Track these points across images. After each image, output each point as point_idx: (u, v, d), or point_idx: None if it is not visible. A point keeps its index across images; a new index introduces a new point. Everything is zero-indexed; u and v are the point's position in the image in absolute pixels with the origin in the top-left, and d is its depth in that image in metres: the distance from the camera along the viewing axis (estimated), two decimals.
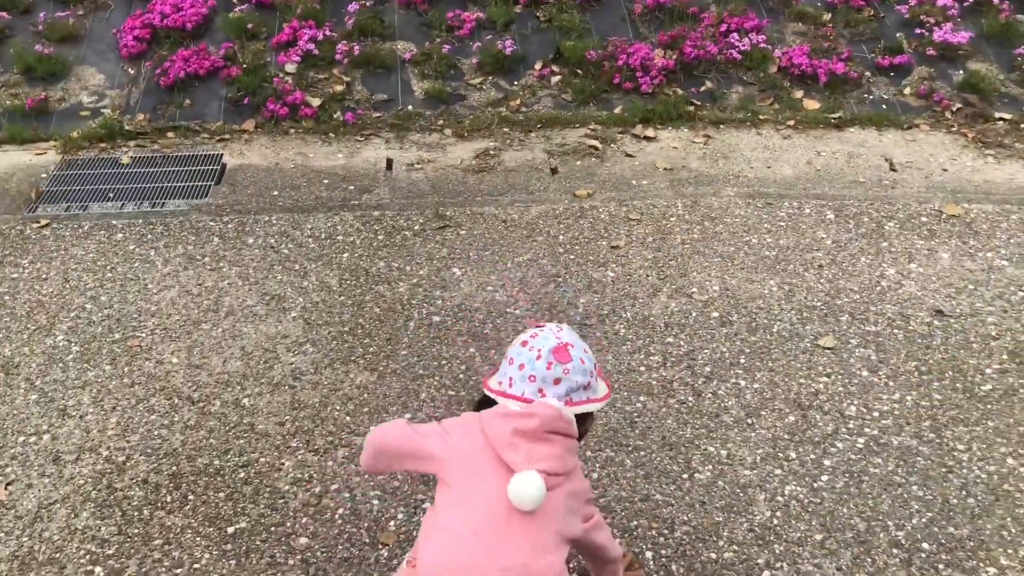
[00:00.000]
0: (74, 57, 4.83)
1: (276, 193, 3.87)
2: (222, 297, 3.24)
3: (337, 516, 2.42)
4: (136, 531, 2.39)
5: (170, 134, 4.32)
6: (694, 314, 3.14)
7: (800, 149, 4.15)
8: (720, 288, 3.26)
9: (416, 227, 3.63)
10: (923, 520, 2.39)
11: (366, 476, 2.49)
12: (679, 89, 4.59)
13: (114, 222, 3.70)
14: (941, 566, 2.28)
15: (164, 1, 4.92)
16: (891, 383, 2.84)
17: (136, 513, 2.44)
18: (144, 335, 3.07)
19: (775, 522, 2.39)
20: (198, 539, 2.37)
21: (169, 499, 2.48)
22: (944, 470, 2.55)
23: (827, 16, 4.97)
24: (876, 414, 2.73)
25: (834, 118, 4.35)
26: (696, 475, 2.54)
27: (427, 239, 3.55)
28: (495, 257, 3.44)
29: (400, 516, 2.41)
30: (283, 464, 2.57)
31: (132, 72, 4.74)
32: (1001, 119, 4.32)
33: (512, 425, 1.68)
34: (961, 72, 4.58)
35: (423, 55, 4.75)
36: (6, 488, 2.53)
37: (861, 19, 4.94)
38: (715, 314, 3.14)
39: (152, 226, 3.66)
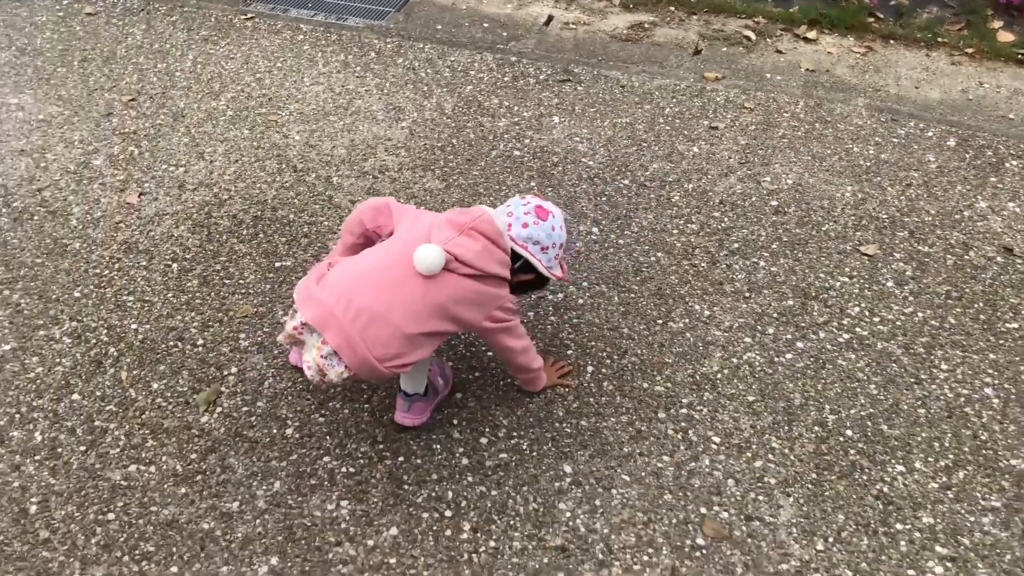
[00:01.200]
0: None
1: (439, 27, 4.31)
2: (355, 100, 3.76)
3: None
4: (211, 248, 3.01)
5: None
6: (753, 198, 3.24)
7: (962, 77, 3.94)
8: (793, 183, 3.31)
9: (541, 76, 3.93)
10: (861, 413, 2.47)
11: None
12: (869, 0, 4.43)
13: (302, 26, 4.32)
14: (852, 452, 2.37)
15: None
16: (911, 297, 2.83)
17: (217, 236, 3.06)
18: (283, 115, 3.67)
19: (718, 377, 2.57)
20: (252, 264, 2.95)
21: (244, 233, 3.08)
22: (912, 380, 2.57)
23: None
24: (877, 319, 2.76)
25: (1021, 53, 4.04)
26: (670, 323, 2.75)
27: (545, 87, 3.85)
28: (596, 114, 3.69)
29: None
30: (338, 230, 3.07)
31: None
32: None
33: (448, 216, 2.09)
34: None
35: None
36: (139, 196, 3.25)
37: None
38: (773, 202, 3.23)
39: (328, 34, 4.24)
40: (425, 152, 3.45)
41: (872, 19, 4.32)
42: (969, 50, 4.09)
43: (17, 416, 2.44)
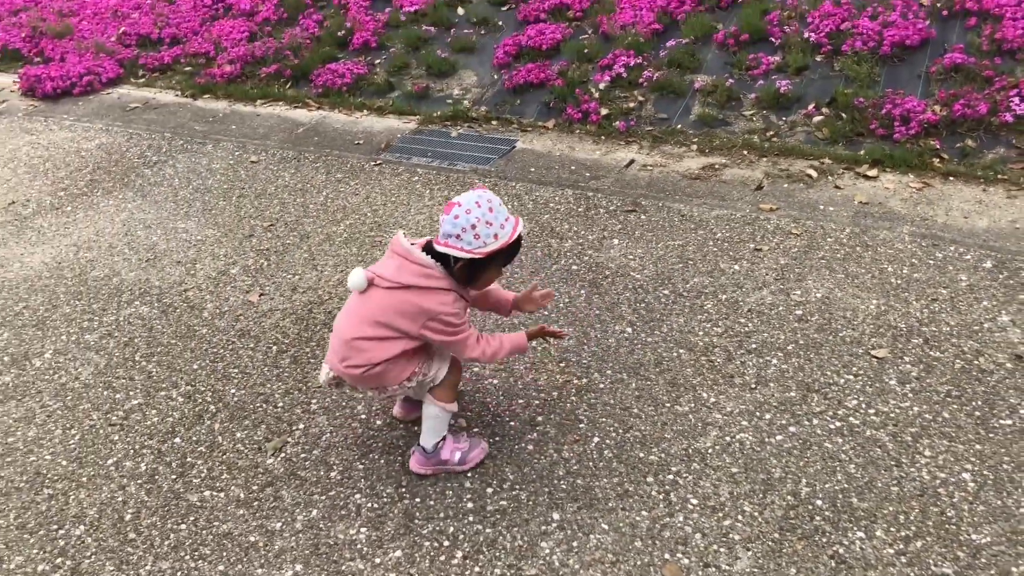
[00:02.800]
0: (463, 63, 6.43)
1: (532, 169, 4.99)
2: (438, 220, 4.43)
3: None
4: (306, 335, 3.65)
5: (493, 122, 5.67)
6: (780, 308, 3.58)
7: (1015, 209, 4.14)
8: (822, 296, 3.63)
9: (612, 207, 4.48)
10: (835, 487, 2.70)
11: None
12: (936, 143, 4.75)
13: (418, 170, 5.12)
14: (818, 518, 2.61)
15: (534, 27, 6.30)
16: (910, 394, 3.05)
17: (312, 327, 3.70)
18: (387, 236, 4.38)
19: (709, 451, 2.89)
20: None
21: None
22: (892, 463, 2.79)
23: None
24: (872, 411, 3.00)
25: None
26: (676, 407, 3.11)
27: (613, 216, 4.38)
28: (654, 238, 4.17)
29: None
30: None
31: (495, 77, 6.19)
32: None
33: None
34: None
35: (712, 86, 5.50)
36: (259, 296, 3.99)
37: None
38: (798, 311, 3.55)
39: (439, 176, 5.01)
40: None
41: (936, 159, 4.61)
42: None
43: (131, 451, 3.09)
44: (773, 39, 5.73)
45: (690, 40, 5.89)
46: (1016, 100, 4.73)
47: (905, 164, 4.56)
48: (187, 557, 2.63)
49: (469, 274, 2.55)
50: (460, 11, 6.97)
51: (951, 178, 4.43)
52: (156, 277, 4.17)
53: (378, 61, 6.63)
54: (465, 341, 2.58)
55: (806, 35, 5.62)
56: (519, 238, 2.50)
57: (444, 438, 2.80)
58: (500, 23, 6.71)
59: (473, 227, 2.40)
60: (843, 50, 5.44)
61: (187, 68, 7.16)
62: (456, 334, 2.56)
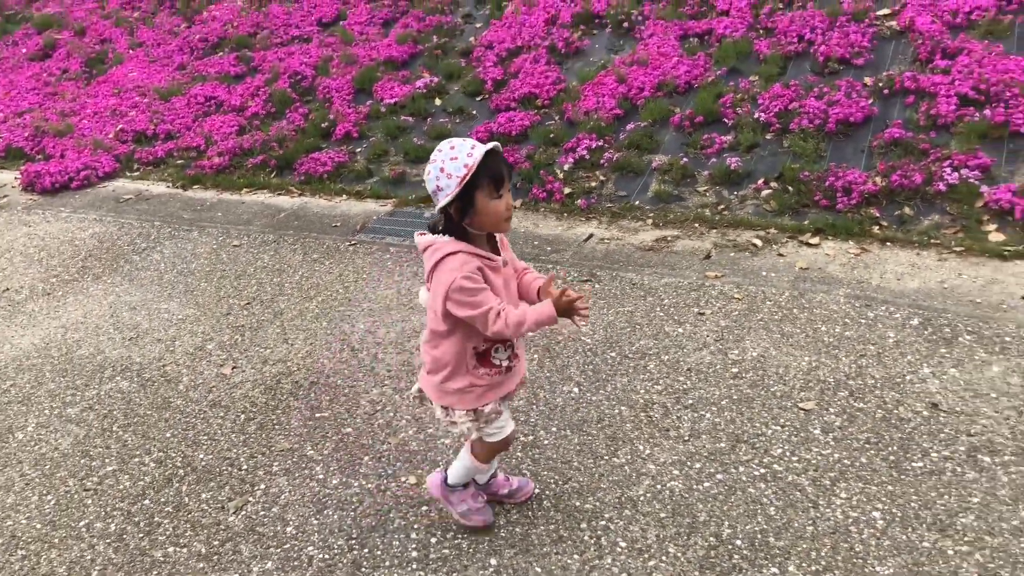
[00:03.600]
0: None
1: None
2: (414, 299, 4.70)
3: None
4: (272, 404, 3.88)
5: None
6: (717, 366, 3.81)
7: (945, 271, 4.40)
8: (757, 355, 3.86)
9: (570, 278, 4.75)
10: (755, 528, 2.90)
11: None
12: (876, 212, 5.04)
13: (391, 248, 5.41)
14: (736, 556, 2.80)
15: (504, 115, 6.69)
16: (832, 442, 3.26)
17: (280, 396, 3.94)
18: (356, 311, 4.64)
19: (640, 498, 3.09)
20: (298, 415, 3.79)
21: (300, 393, 3.95)
22: (810, 505, 2.98)
23: None
24: (795, 459, 3.21)
25: (1007, 250, 4.48)
26: (613, 459, 3.31)
27: (569, 286, 4.64)
28: (606, 305, 4.42)
29: None
30: (373, 391, 3.89)
31: None
32: None
33: None
34: None
35: (669, 164, 5.84)
36: (232, 369, 4.23)
37: None
38: (734, 369, 3.78)
39: (409, 253, 5.30)
40: None
41: (876, 227, 4.89)
42: (959, 249, 4.56)
43: (103, 513, 3.29)
44: (726, 120, 6.09)
45: (648, 123, 6.25)
46: (948, 170, 5.03)
47: (846, 232, 4.84)
48: None
49: (463, 213, 2.40)
50: (437, 102, 7.38)
51: (888, 244, 4.70)
52: (137, 354, 4.42)
53: (359, 150, 7.01)
54: (486, 315, 2.41)
55: (756, 115, 5.97)
56: (492, 152, 2.36)
57: (467, 486, 2.94)
58: (475, 112, 7.11)
59: (442, 171, 2.34)
60: (791, 128, 5.78)
61: (179, 161, 7.56)
62: (475, 306, 2.40)
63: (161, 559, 3.01)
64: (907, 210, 4.98)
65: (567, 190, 5.80)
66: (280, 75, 8.30)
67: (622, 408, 3.55)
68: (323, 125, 7.34)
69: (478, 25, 8.41)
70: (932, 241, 4.64)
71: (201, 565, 2.97)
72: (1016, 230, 4.62)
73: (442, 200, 2.38)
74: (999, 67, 5.61)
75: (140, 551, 3.06)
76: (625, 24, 7.47)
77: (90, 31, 10.87)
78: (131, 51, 10.12)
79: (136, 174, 7.57)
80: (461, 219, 2.42)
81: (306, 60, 8.46)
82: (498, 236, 2.58)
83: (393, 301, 4.68)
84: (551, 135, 6.36)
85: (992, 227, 4.69)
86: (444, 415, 2.73)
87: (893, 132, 5.46)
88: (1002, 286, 4.16)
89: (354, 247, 5.47)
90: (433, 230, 2.52)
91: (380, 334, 4.34)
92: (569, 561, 2.81)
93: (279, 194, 6.63)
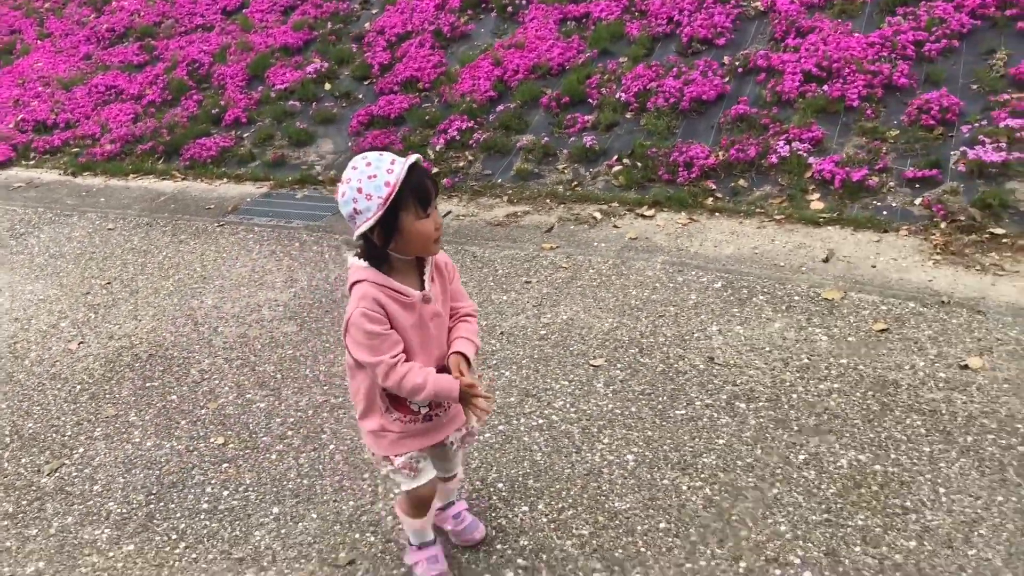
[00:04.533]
0: (322, 133, 6.99)
1: None
2: (266, 275, 4.89)
3: None
4: (108, 375, 4.07)
5: (336, 183, 6.18)
6: (528, 330, 4.05)
7: (761, 237, 4.67)
8: (566, 319, 4.10)
9: None
10: (519, 472, 3.12)
11: None
12: (712, 184, 5.31)
13: (256, 228, 5.60)
14: (494, 497, 3.04)
15: (385, 98, 6.88)
16: (611, 395, 3.51)
17: (118, 368, 4.12)
18: (208, 287, 4.83)
19: None
20: (130, 385, 3.98)
21: (137, 365, 4.13)
22: (573, 451, 3.23)
23: (894, 133, 5.28)
24: (573, 410, 3.45)
25: (822, 217, 4.76)
26: None
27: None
28: (460, 269, 4.64)
29: None
30: (207, 364, 4.09)
31: (349, 144, 6.74)
32: (992, 233, 4.37)
33: None
34: (992, 187, 4.65)
35: (533, 144, 6.07)
36: (79, 344, 4.40)
37: (927, 137, 5.17)
38: (543, 332, 4.02)
39: (272, 232, 5.49)
40: (300, 308, 4.48)
41: (710, 198, 5.16)
42: (779, 217, 4.83)
43: None
44: (591, 100, 6.33)
45: (519, 104, 6.47)
46: (782, 144, 5.30)
47: (679, 204, 5.10)
48: None
49: (385, 239, 2.11)
50: (327, 86, 7.55)
51: (716, 214, 4.97)
52: None
53: (246, 135, 7.17)
54: (375, 367, 2.14)
55: (618, 95, 6.21)
56: (414, 166, 2.08)
57: (422, 547, 2.63)
58: (360, 96, 7.29)
59: (359, 192, 2.03)
60: (648, 107, 6.03)
61: (75, 149, 7.67)
62: (369, 350, 2.13)
63: None
64: (742, 182, 5.24)
65: (435, 170, 6.00)
66: (179, 63, 8.42)
67: None
68: (214, 111, 7.49)
69: (374, 11, 8.57)
70: (757, 210, 4.92)
71: (5, 523, 3.15)
72: (835, 198, 4.90)
73: (361, 225, 2.06)
74: (842, 44, 5.89)
75: None
76: (509, 8, 7.67)
77: (0, 21, 10.88)
78: (39, 41, 10.17)
79: (32, 163, 7.68)
80: (385, 245, 2.10)
81: (205, 48, 8.58)
82: (430, 262, 2.25)
83: (245, 278, 4.87)
84: (427, 117, 6.56)
85: (815, 196, 4.97)
86: (371, 454, 2.49)
87: (739, 108, 5.73)
88: (808, 250, 4.44)
89: (222, 227, 5.66)
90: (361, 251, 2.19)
91: (225, 309, 4.54)
92: (344, 507, 3.03)
93: (163, 179, 6.79)
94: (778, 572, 2.56)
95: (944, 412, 3.13)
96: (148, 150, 7.17)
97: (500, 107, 6.49)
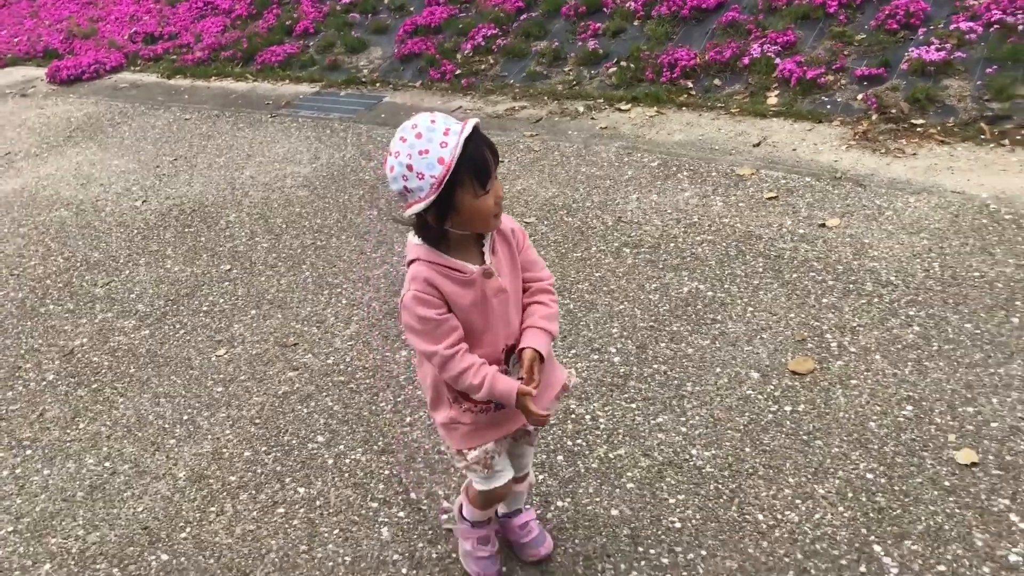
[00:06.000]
0: (374, 41, 7.89)
1: (383, 115, 6.40)
2: (296, 153, 5.90)
3: None
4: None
5: (377, 84, 7.11)
6: None
7: (711, 127, 5.31)
8: (519, 188, 4.90)
9: None
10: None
11: None
12: (690, 83, 5.95)
13: (300, 119, 6.60)
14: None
15: (428, 9, 7.72)
16: (531, 242, 4.34)
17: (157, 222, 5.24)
18: (253, 162, 5.87)
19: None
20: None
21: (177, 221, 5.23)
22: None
23: (860, 36, 5.77)
24: None
25: (772, 110, 5.36)
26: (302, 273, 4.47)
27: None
28: None
29: None
30: (252, 211, 5.15)
31: (394, 51, 7.63)
32: (912, 124, 4.90)
33: None
34: (928, 84, 5.13)
35: (545, 49, 6.81)
36: (143, 202, 5.53)
37: (888, 40, 5.64)
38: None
39: (311, 122, 6.47)
40: (316, 178, 5.44)
41: (685, 95, 5.81)
42: (735, 110, 5.45)
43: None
44: (606, 9, 6.97)
45: (541, 13, 7.18)
46: (755, 47, 5.86)
47: (655, 99, 5.77)
48: None
49: (441, 217, 1.85)
50: (385, 0, 8.43)
51: (684, 108, 5.62)
52: (82, 194, 5.77)
53: (311, 43, 8.16)
54: (430, 357, 1.94)
55: (628, 4, 6.84)
56: (471, 138, 1.80)
57: (476, 525, 2.42)
58: (412, 8, 8.14)
59: (409, 168, 1.78)
60: (652, 15, 6.64)
61: (172, 57, 8.86)
62: (422, 337, 1.92)
63: None
64: (716, 81, 5.85)
65: (458, 72, 6.83)
66: None
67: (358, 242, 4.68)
68: (288, 23, 8.50)
69: None
70: (719, 105, 5.54)
71: (66, 315, 4.29)
72: (790, 95, 5.47)
73: (413, 205, 1.81)
74: None
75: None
76: None
77: None
78: None
79: (138, 68, 8.92)
80: (441, 224, 1.86)
81: None
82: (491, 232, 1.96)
83: (280, 156, 5.88)
84: (460, 25, 7.36)
85: (774, 93, 5.54)
86: (446, 447, 2.31)
87: (731, 15, 6.27)
88: (745, 137, 5.07)
89: (273, 118, 6.69)
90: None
91: (258, 179, 5.57)
92: (303, 311, 4.00)
93: (239, 81, 7.87)
94: (595, 356, 3.37)
95: (786, 257, 3.81)
96: (230, 56, 8.25)
97: (524, 16, 7.20)
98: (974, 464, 2.61)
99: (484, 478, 2.20)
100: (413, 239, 1.96)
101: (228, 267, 4.49)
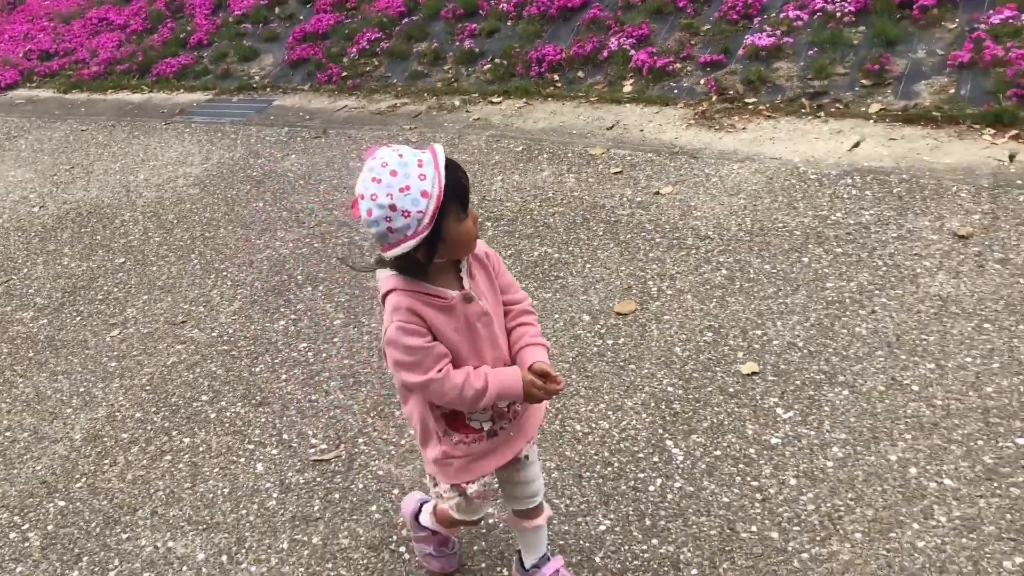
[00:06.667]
0: (266, 49, 8.22)
1: (272, 117, 6.75)
2: (187, 156, 6.22)
3: None
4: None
5: (268, 89, 7.45)
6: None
7: (570, 114, 5.81)
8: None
9: (307, 136, 6.23)
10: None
11: None
12: (557, 76, 6.45)
13: (193, 124, 6.91)
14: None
15: (316, 17, 8.10)
16: None
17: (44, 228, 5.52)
18: (148, 166, 6.17)
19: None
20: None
21: (62, 227, 5.51)
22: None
23: (706, 27, 6.34)
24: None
25: (627, 97, 5.89)
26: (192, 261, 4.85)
27: (304, 141, 6.13)
28: (319, 152, 5.89)
29: None
30: (122, 212, 5.45)
31: (284, 57, 7.98)
32: (746, 102, 5.47)
33: None
34: (762, 67, 5.71)
35: (427, 50, 7.25)
36: (40, 207, 5.79)
37: (730, 29, 6.22)
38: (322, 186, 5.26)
39: (202, 126, 6.79)
40: (206, 178, 5.78)
41: (551, 87, 6.31)
42: (594, 99, 5.97)
43: None
44: (482, 11, 7.45)
45: (422, 17, 7.62)
46: (613, 41, 6.40)
47: (524, 92, 6.25)
48: None
49: (431, 251, 1.80)
50: (276, 10, 8.77)
51: (550, 99, 6.12)
52: None
53: (205, 54, 8.46)
54: (426, 385, 1.86)
55: (502, 6, 7.33)
56: (449, 168, 1.78)
57: (435, 532, 2.41)
58: (301, 17, 8.50)
59: (392, 207, 1.70)
60: (523, 15, 7.14)
61: (68, 72, 9.05)
62: (412, 369, 1.85)
63: None
64: (580, 73, 6.37)
65: (344, 74, 7.23)
66: None
67: (284, 213, 5.07)
68: (182, 36, 8.78)
69: None
70: (580, 95, 6.05)
71: None
72: (643, 82, 6.01)
73: (401, 245, 1.73)
74: None
75: None
76: None
77: None
78: None
79: (34, 84, 9.08)
80: (431, 258, 1.80)
81: None
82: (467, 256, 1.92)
83: (172, 159, 6.20)
84: (346, 31, 7.76)
85: (629, 81, 6.08)
86: (432, 483, 2.18)
87: (593, 13, 6.80)
88: (601, 122, 5.59)
89: (167, 125, 6.99)
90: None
91: (152, 180, 5.88)
92: (190, 295, 4.36)
93: (135, 93, 8.13)
94: None
95: (623, 222, 4.32)
96: (125, 70, 8.50)
97: (406, 20, 7.64)
98: (755, 373, 3.12)
99: (468, 511, 2.15)
100: (384, 272, 1.88)
101: (122, 260, 4.81)
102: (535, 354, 1.97)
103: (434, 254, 1.79)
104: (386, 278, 1.88)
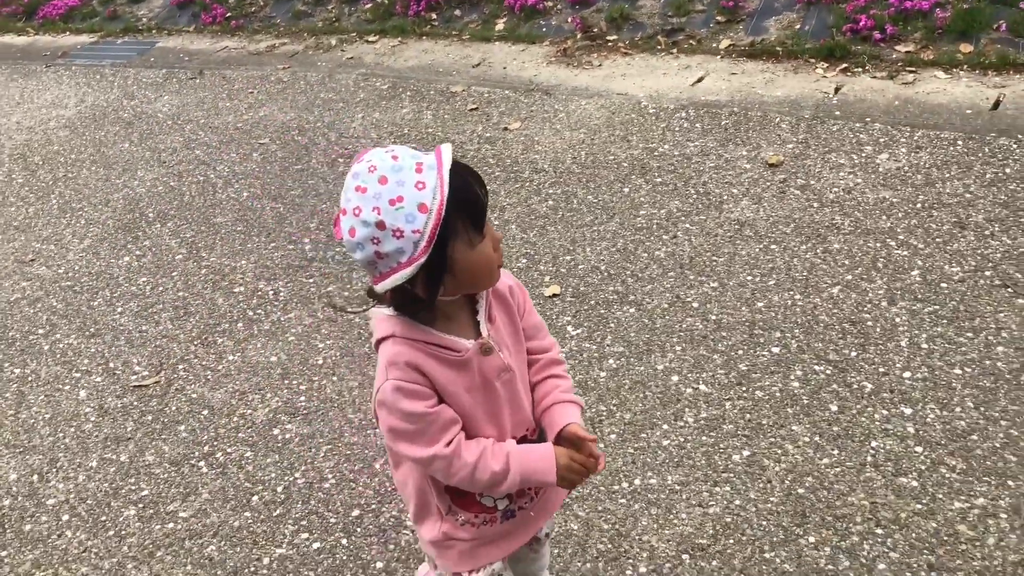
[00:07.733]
0: None
1: (153, 59, 6.73)
2: (63, 99, 6.19)
3: None
4: None
5: (154, 31, 7.40)
6: (230, 122, 5.35)
7: (440, 53, 5.89)
8: (261, 115, 5.37)
9: (185, 77, 6.23)
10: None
11: None
12: (434, 15, 6.50)
13: (74, 67, 6.85)
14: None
15: None
16: (258, 159, 4.83)
17: None
18: (20, 110, 6.14)
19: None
20: None
21: None
22: (217, 189, 4.59)
23: None
24: (239, 168, 4.79)
25: (497, 34, 5.98)
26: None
27: (180, 83, 6.13)
28: (194, 92, 5.92)
29: None
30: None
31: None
32: (607, 40, 5.60)
33: None
34: (625, 4, 5.83)
35: None
36: None
37: None
38: (239, 124, 5.32)
39: (85, 69, 6.74)
40: (79, 120, 5.78)
41: (428, 26, 6.37)
42: (466, 37, 6.05)
43: None
44: None
45: None
46: None
47: (400, 31, 6.31)
48: None
49: (432, 284, 1.36)
50: None
51: (424, 38, 6.18)
52: None
53: None
54: (430, 462, 1.45)
55: None
56: (454, 169, 1.32)
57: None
58: None
59: (380, 225, 1.28)
60: None
61: None
62: (412, 439, 1.43)
63: None
64: (457, 12, 6.44)
65: (228, 14, 7.20)
66: None
67: (163, 153, 5.12)
68: None
69: None
70: (453, 33, 6.13)
71: None
72: (515, 21, 6.10)
73: (392, 275, 1.32)
74: None
75: None
76: None
77: None
78: None
79: None
80: (433, 294, 1.37)
81: None
82: (485, 293, 1.50)
83: (48, 102, 6.17)
84: None
85: (502, 20, 6.17)
86: (432, 568, 1.82)
87: None
88: (467, 60, 5.68)
89: (48, 68, 6.92)
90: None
91: (23, 123, 5.86)
92: (84, 270, 4.42)
93: (20, 35, 7.99)
94: (291, 247, 3.93)
95: (468, 157, 4.45)
96: (11, 12, 8.34)
97: None
98: (555, 295, 3.32)
99: None
100: (380, 310, 1.44)
101: None
102: (567, 414, 1.54)
103: (438, 289, 1.36)
104: (381, 320, 1.44)
